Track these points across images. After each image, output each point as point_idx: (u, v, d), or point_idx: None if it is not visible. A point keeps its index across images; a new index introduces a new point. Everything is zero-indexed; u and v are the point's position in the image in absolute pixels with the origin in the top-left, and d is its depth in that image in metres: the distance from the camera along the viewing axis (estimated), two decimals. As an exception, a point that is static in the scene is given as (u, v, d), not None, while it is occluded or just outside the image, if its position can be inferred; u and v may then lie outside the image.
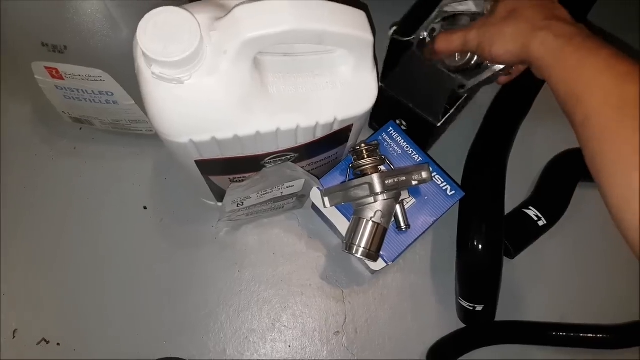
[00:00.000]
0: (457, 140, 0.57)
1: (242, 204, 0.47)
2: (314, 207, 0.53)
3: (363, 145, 0.46)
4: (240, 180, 0.43)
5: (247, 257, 0.55)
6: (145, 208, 0.56)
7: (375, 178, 0.44)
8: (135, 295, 0.53)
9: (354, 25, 0.35)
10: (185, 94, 0.33)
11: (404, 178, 0.45)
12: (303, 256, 0.55)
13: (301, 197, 0.52)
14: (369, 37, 0.36)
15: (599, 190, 0.33)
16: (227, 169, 0.42)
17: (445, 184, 0.49)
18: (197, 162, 0.40)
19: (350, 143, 0.48)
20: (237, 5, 0.33)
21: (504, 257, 0.54)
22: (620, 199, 0.31)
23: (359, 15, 0.36)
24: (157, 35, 0.31)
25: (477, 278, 0.49)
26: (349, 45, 0.36)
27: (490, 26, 0.40)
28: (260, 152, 0.40)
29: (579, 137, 0.34)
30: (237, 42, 0.32)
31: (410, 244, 0.49)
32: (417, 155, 0.50)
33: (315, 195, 0.49)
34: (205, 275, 0.54)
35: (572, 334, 0.52)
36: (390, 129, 0.51)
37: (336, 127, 0.40)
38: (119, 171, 0.57)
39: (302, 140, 0.40)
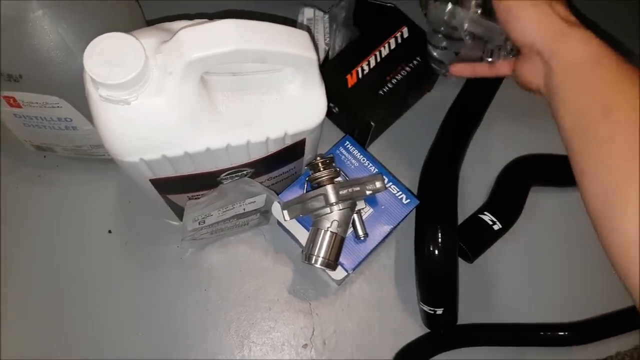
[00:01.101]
0: (416, 150, 0.59)
1: (204, 222, 0.48)
2: (279, 221, 0.54)
3: (319, 158, 0.48)
4: (197, 198, 0.44)
5: (213, 276, 0.55)
6: (110, 232, 0.56)
7: (329, 189, 0.45)
8: (100, 319, 0.53)
9: (297, 45, 0.37)
10: (133, 115, 0.34)
11: (358, 188, 0.47)
12: (270, 271, 0.56)
13: (265, 212, 0.53)
14: (312, 55, 0.38)
15: (599, 225, 0.33)
16: (184, 186, 0.43)
17: (400, 193, 0.51)
18: (152, 181, 0.41)
19: (308, 157, 0.49)
20: (182, 28, 0.35)
21: (464, 262, 0.56)
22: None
23: (302, 36, 0.38)
24: (103, 60, 0.33)
25: (434, 282, 0.51)
26: (294, 63, 0.38)
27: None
28: (215, 169, 0.41)
29: (591, 155, 0.33)
30: (182, 63, 0.34)
31: (370, 252, 0.50)
32: (373, 167, 0.52)
33: (276, 209, 0.50)
34: (172, 296, 0.54)
35: (532, 333, 0.54)
36: (347, 142, 0.53)
37: (288, 142, 0.42)
38: (83, 196, 0.57)
39: (256, 155, 0.41)
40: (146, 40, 0.35)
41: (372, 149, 0.61)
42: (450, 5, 0.45)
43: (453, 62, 0.49)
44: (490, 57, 0.45)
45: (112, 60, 0.33)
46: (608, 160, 0.32)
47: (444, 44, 0.50)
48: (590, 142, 0.33)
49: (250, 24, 0.35)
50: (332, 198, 0.45)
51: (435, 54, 0.52)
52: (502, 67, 0.45)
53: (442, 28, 0.48)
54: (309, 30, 0.56)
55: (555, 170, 0.58)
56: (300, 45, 0.37)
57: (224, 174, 0.42)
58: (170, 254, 0.55)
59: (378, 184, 0.48)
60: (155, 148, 0.36)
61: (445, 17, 0.45)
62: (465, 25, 0.44)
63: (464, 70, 0.49)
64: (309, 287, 0.56)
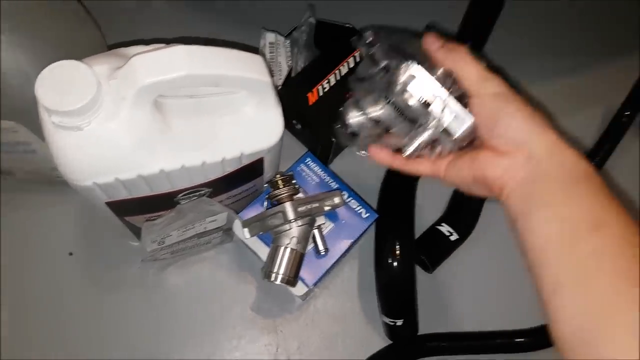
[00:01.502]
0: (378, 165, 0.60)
1: (163, 242, 0.48)
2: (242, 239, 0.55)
3: (278, 176, 0.49)
4: (154, 219, 0.45)
5: (176, 296, 0.55)
6: (70, 254, 0.56)
7: (287, 206, 0.46)
8: (63, 342, 0.53)
9: (250, 69, 0.38)
10: (86, 140, 0.35)
11: (316, 204, 0.48)
12: (234, 290, 0.56)
13: (228, 230, 0.54)
14: (266, 78, 0.39)
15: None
16: (140, 208, 0.43)
17: (360, 207, 0.52)
18: (108, 204, 0.41)
19: (268, 174, 0.50)
20: (135, 54, 0.35)
21: (424, 272, 0.57)
22: None
23: (255, 60, 0.39)
24: (55, 87, 0.33)
25: (393, 293, 0.52)
26: (248, 86, 0.39)
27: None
28: (172, 189, 0.41)
29: (574, 269, 0.31)
30: (134, 88, 0.34)
31: (332, 267, 0.51)
32: (334, 183, 0.53)
33: (237, 227, 0.51)
34: (135, 318, 0.54)
35: (493, 340, 0.55)
36: (308, 159, 0.54)
37: (245, 161, 0.43)
38: (44, 219, 0.57)
39: (213, 175, 0.42)
40: (100, 67, 0.35)
41: (335, 164, 0.62)
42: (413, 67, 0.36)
43: (370, 141, 0.41)
44: (429, 148, 0.38)
45: (64, 88, 0.33)
46: (595, 276, 0.30)
47: (378, 108, 0.38)
48: (575, 255, 0.31)
49: (203, 49, 0.36)
50: (291, 215, 0.46)
51: (352, 120, 0.40)
52: (421, 165, 0.41)
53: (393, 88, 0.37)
54: (263, 55, 0.58)
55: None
56: (253, 69, 0.38)
57: (181, 195, 0.43)
58: (131, 275, 0.55)
59: (337, 200, 0.49)
60: (108, 172, 0.37)
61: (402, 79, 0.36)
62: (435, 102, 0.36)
63: (384, 157, 0.42)
64: (273, 304, 0.56)
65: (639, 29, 0.72)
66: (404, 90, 0.36)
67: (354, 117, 0.40)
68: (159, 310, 0.55)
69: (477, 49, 0.64)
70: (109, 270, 0.56)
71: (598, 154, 0.62)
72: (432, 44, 0.38)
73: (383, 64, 0.38)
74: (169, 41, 0.38)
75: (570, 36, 0.72)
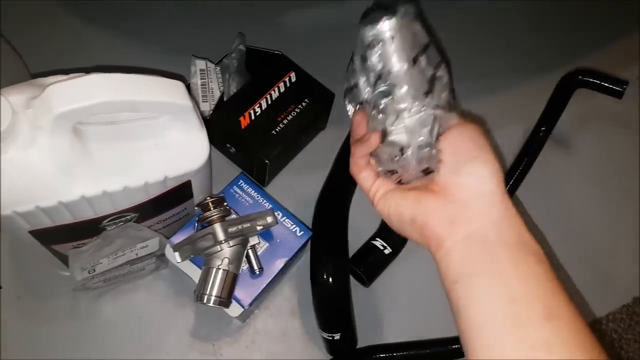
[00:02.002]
0: (313, 185, 0.62)
1: (94, 270, 0.48)
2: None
3: (209, 198, 0.50)
4: (80, 246, 0.44)
5: (111, 325, 0.55)
6: (0, 287, 0.54)
7: (217, 227, 0.47)
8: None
9: (170, 94, 0.39)
10: (3, 168, 0.35)
11: (248, 224, 0.49)
12: (171, 316, 0.56)
13: (161, 256, 0.54)
14: (187, 102, 0.40)
15: None
16: (65, 236, 0.43)
17: (294, 226, 0.54)
18: (31, 232, 0.41)
19: (199, 197, 0.51)
20: (51, 83, 0.36)
21: (362, 287, 0.59)
22: None
23: (175, 85, 0.40)
24: (-33, 117, 0.33)
25: (328, 308, 0.53)
26: (168, 111, 0.40)
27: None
28: (95, 216, 0.42)
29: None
30: (51, 116, 0.35)
31: (268, 287, 0.51)
32: (267, 203, 0.54)
33: (169, 252, 0.51)
34: (69, 350, 0.53)
35: (431, 349, 0.57)
36: (241, 181, 0.55)
37: (171, 185, 0.44)
38: (-30, 254, 0.55)
39: (137, 199, 0.43)
40: (16, 96, 0.36)
41: (272, 186, 0.64)
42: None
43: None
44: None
45: (-23, 118, 0.33)
46: None
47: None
48: (525, 344, 0.29)
49: (120, 77, 0.37)
50: (221, 236, 0.47)
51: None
52: (366, 172, 0.39)
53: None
54: (187, 83, 0.59)
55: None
56: (172, 94, 0.39)
57: (106, 220, 0.43)
58: (64, 306, 0.54)
59: (269, 219, 0.50)
60: (28, 200, 0.37)
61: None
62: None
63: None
64: (212, 328, 0.56)
65: (553, 50, 0.78)
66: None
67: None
68: (93, 340, 0.54)
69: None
70: (40, 301, 0.54)
71: (519, 167, 0.66)
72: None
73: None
74: (88, 70, 0.38)
75: (491, 58, 0.77)
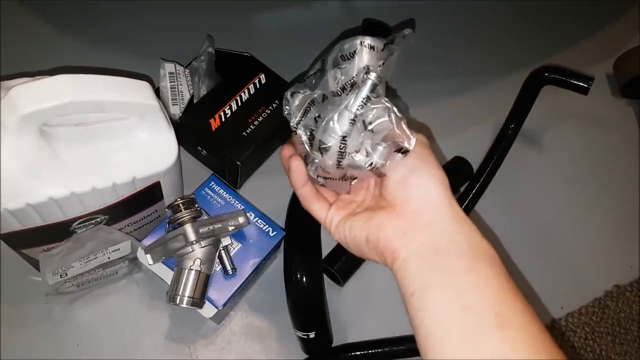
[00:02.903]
0: (286, 186, 0.63)
1: (66, 274, 0.48)
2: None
3: (179, 200, 0.50)
4: (50, 250, 0.44)
5: (85, 330, 0.54)
6: (-29, 297, 0.54)
7: (188, 227, 0.47)
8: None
9: (136, 94, 0.40)
10: (-33, 171, 0.35)
11: (219, 225, 0.49)
12: (145, 319, 0.56)
13: (134, 259, 0.54)
14: (154, 102, 0.41)
15: None
16: (36, 239, 0.43)
17: (267, 226, 0.54)
18: (0, 237, 0.40)
19: (170, 199, 0.51)
20: (16, 85, 0.36)
21: (337, 286, 0.59)
22: None
23: (141, 85, 0.41)
24: None
25: (301, 307, 0.54)
26: (135, 111, 0.41)
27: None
28: (65, 218, 0.42)
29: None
30: (15, 117, 0.35)
31: (241, 287, 0.52)
32: (239, 204, 0.54)
33: (141, 254, 0.51)
34: (43, 355, 0.52)
35: (406, 344, 0.58)
36: (212, 182, 0.55)
37: (140, 186, 0.44)
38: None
39: (107, 201, 0.43)
40: (-20, 98, 0.36)
41: (245, 187, 0.64)
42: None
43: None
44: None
45: (-61, 119, 0.33)
46: None
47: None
48: (478, 354, 0.29)
49: (84, 77, 0.37)
50: (192, 236, 0.47)
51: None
52: (319, 203, 0.40)
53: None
54: (150, 81, 0.59)
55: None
56: (138, 94, 0.40)
57: (76, 223, 0.43)
58: (37, 311, 0.54)
59: (241, 220, 0.51)
60: (-6, 202, 0.37)
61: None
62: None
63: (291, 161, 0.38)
64: (187, 330, 0.56)
65: (520, 49, 0.80)
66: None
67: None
68: (67, 346, 0.53)
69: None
70: (13, 308, 0.54)
71: (489, 164, 0.67)
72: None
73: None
74: (52, 72, 0.39)
75: (459, 59, 0.79)
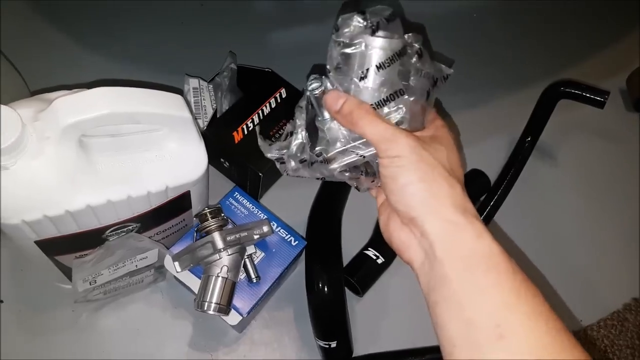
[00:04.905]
0: (305, 197, 0.64)
1: (95, 281, 0.49)
2: (175, 276, 0.56)
3: (206, 209, 0.51)
4: (84, 257, 0.46)
5: (110, 338, 0.55)
6: (1, 302, 0.55)
7: (216, 236, 0.48)
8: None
9: (169, 107, 0.41)
10: (13, 178, 0.37)
11: (245, 233, 0.50)
12: (169, 328, 0.57)
13: (160, 268, 0.55)
14: (186, 114, 0.42)
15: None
16: (69, 246, 0.44)
17: (289, 236, 0.55)
18: (37, 242, 0.42)
19: (197, 208, 0.52)
20: (57, 97, 0.38)
21: (356, 297, 0.60)
22: None
23: (175, 98, 0.42)
24: (-20, 130, 0.35)
25: (323, 315, 0.54)
26: (168, 123, 0.42)
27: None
28: (99, 225, 0.43)
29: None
30: (58, 128, 0.37)
31: (265, 295, 0.53)
32: (262, 214, 0.56)
33: (168, 262, 0.52)
34: (69, 362, 0.54)
35: (426, 356, 0.58)
36: (236, 193, 0.57)
37: (171, 195, 0.45)
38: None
39: (139, 209, 0.44)
40: (24, 110, 0.38)
41: (265, 198, 0.65)
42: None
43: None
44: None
45: (-12, 130, 0.35)
46: None
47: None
48: None
49: (122, 90, 0.39)
50: (220, 244, 0.48)
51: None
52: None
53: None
54: (186, 98, 0.61)
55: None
56: (172, 106, 0.41)
57: (109, 231, 0.44)
58: (64, 318, 0.55)
59: (265, 228, 0.52)
60: (36, 209, 0.38)
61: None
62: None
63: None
64: (209, 339, 0.57)
65: (534, 63, 0.81)
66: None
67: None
68: (93, 352, 0.54)
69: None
70: (41, 315, 0.55)
71: (506, 177, 0.68)
72: (331, 105, 0.37)
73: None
74: (90, 86, 0.40)
75: (473, 72, 0.80)
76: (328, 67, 0.39)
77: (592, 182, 0.73)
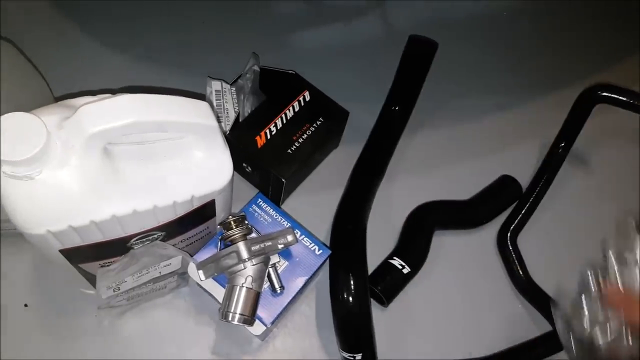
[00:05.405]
0: (328, 203, 0.63)
1: (119, 288, 0.48)
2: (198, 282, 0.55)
3: (231, 217, 0.50)
4: (108, 265, 0.45)
5: (133, 343, 0.55)
6: (26, 306, 0.55)
7: (241, 245, 0.47)
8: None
9: (196, 114, 0.40)
10: (38, 188, 0.36)
11: (270, 243, 0.49)
12: (192, 334, 0.56)
13: (183, 274, 0.54)
14: (213, 123, 0.41)
15: None
16: (94, 255, 0.44)
17: (313, 244, 0.54)
18: (61, 251, 0.41)
19: (221, 216, 0.51)
20: (83, 104, 0.37)
21: (381, 307, 0.59)
22: None
23: (201, 105, 0.41)
24: (5, 138, 0.34)
25: (349, 327, 0.53)
26: (195, 131, 0.41)
27: None
28: (124, 234, 0.42)
29: None
30: (83, 137, 0.36)
31: (288, 305, 0.52)
32: (286, 222, 0.55)
33: (192, 270, 0.51)
34: (92, 367, 0.54)
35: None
36: (259, 200, 0.56)
37: (197, 204, 0.44)
38: (-3, 273, 0.56)
39: (164, 218, 0.43)
40: (49, 117, 0.37)
41: (287, 204, 0.64)
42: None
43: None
44: None
45: (14, 139, 0.34)
46: None
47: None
48: None
49: (148, 97, 0.38)
50: (245, 254, 0.47)
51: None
52: None
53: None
54: (210, 102, 0.60)
55: (455, 214, 0.64)
56: (199, 114, 0.40)
57: (134, 239, 0.44)
58: (88, 324, 0.55)
59: (289, 238, 0.51)
60: (61, 219, 0.38)
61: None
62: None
63: None
64: (232, 346, 0.56)
65: (568, 66, 0.79)
66: None
67: None
68: (116, 357, 0.54)
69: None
70: (65, 319, 0.55)
71: (538, 184, 0.66)
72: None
73: None
74: (115, 91, 0.40)
75: (505, 75, 0.78)
76: None
77: (629, 191, 0.70)
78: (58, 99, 0.43)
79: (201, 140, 0.42)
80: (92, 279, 0.50)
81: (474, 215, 0.65)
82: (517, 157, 0.70)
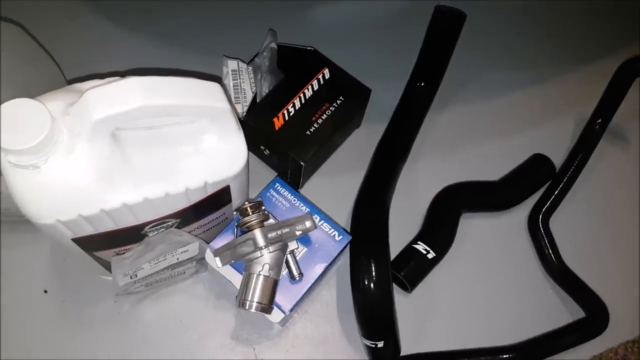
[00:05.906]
0: (349, 186, 0.61)
1: (136, 275, 0.48)
2: (216, 268, 0.54)
3: (247, 203, 0.49)
4: (122, 253, 0.44)
5: (152, 329, 0.55)
6: (45, 292, 0.55)
7: (257, 233, 0.46)
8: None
9: (207, 97, 0.38)
10: (44, 178, 0.35)
11: (287, 229, 0.47)
12: (211, 319, 0.56)
13: (202, 260, 0.53)
14: (225, 105, 0.39)
15: None
16: (108, 243, 0.43)
17: (333, 230, 0.52)
18: (74, 240, 0.40)
19: (237, 202, 0.50)
20: (88, 89, 0.35)
21: (403, 292, 0.57)
22: None
23: (212, 87, 0.39)
24: (8, 127, 0.33)
25: (370, 315, 0.52)
26: (206, 114, 0.39)
27: None
28: (137, 222, 0.41)
29: None
30: (89, 123, 0.34)
31: (307, 292, 0.50)
32: (304, 207, 0.53)
33: (209, 256, 0.50)
34: (112, 353, 0.53)
35: (477, 358, 0.55)
36: (277, 184, 0.54)
37: (210, 190, 0.43)
38: (17, 258, 0.56)
39: (178, 206, 0.42)
40: (55, 103, 0.35)
41: (306, 188, 0.62)
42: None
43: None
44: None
45: (17, 127, 0.33)
46: None
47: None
48: None
49: (156, 80, 0.36)
50: (261, 242, 0.46)
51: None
52: None
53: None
54: (223, 84, 0.58)
55: (483, 196, 0.61)
56: (210, 97, 0.38)
57: (148, 227, 0.42)
58: (107, 310, 0.54)
59: (308, 224, 0.49)
60: (70, 208, 0.37)
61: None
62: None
63: None
64: (252, 331, 0.56)
65: (605, 36, 0.74)
66: None
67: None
68: (135, 344, 0.54)
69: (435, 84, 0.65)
70: (84, 305, 0.55)
71: (573, 163, 0.63)
72: None
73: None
74: (124, 74, 0.38)
75: (536, 46, 0.73)
76: None
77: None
78: (70, 83, 0.42)
79: (213, 124, 0.40)
80: (109, 266, 0.49)
81: (503, 196, 0.62)
82: (550, 134, 0.67)
